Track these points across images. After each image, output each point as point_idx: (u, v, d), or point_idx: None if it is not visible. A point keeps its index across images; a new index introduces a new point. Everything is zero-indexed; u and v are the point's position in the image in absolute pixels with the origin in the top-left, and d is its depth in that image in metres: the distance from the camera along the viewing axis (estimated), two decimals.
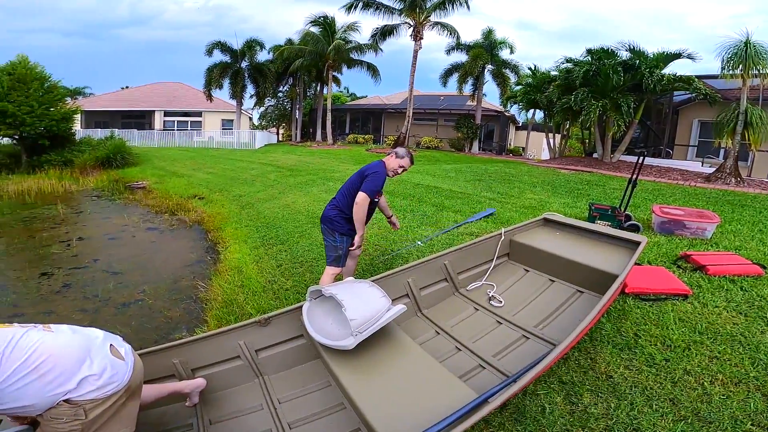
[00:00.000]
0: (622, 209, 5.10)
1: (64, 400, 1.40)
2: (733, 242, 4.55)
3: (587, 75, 11.64)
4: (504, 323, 2.67)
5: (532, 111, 18.71)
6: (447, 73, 21.07)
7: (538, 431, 2.01)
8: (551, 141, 17.51)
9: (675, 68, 16.93)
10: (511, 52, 20.02)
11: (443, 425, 1.51)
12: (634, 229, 4.84)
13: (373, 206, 3.09)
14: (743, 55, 8.85)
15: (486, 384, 2.02)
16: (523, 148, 25.18)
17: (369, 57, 22.54)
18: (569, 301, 2.84)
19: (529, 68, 17.39)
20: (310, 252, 4.88)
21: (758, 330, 2.69)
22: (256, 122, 31.40)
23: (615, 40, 21.60)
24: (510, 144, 27.50)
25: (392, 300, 2.19)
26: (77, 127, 18.31)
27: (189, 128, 26.54)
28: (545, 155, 19.60)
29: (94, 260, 5.93)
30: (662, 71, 11.25)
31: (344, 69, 23.85)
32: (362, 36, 26.06)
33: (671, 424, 1.98)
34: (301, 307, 2.28)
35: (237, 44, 23.50)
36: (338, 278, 3.16)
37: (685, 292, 3.14)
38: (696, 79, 11.09)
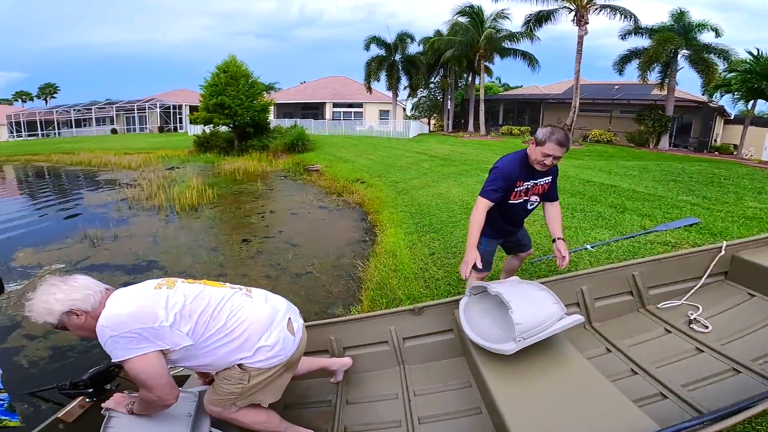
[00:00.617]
0: None
1: (238, 365, 1.47)
2: None
3: None
4: (707, 351, 2.13)
5: (752, 102, 14.28)
6: (623, 60, 18.07)
7: None
8: None
9: None
10: (717, 35, 15.93)
11: None
12: None
13: (516, 212, 2.42)
14: None
15: (668, 416, 1.66)
16: (735, 146, 19.49)
17: (524, 45, 20.70)
18: None
19: (749, 53, 13.40)
20: (463, 244, 4.63)
21: None
22: (409, 113, 32.28)
23: None
24: (716, 140, 21.68)
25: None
26: (271, 117, 20.55)
27: (352, 118, 28.33)
28: None
29: (279, 231, 6.77)
30: None
31: (496, 59, 22.56)
32: (513, 24, 23.93)
33: None
34: (455, 301, 2.16)
35: (390, 38, 24.14)
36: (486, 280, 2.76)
37: None
38: None
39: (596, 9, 15.85)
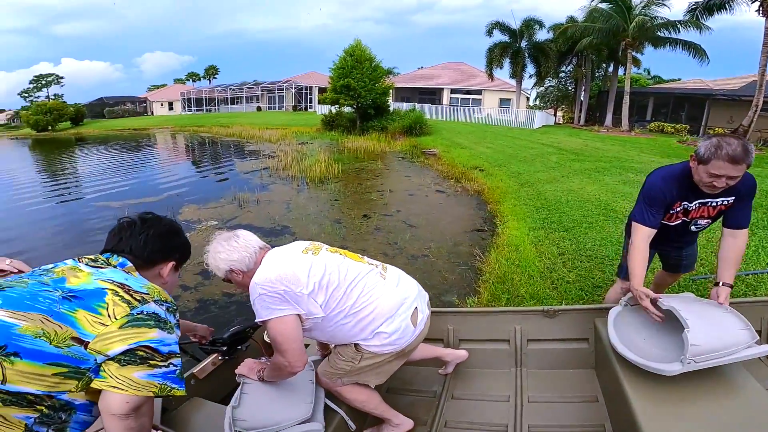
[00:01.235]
0: None
1: (354, 344, 1.48)
2: None
3: None
4: None
5: None
6: None
7: None
8: None
9: None
10: None
11: None
12: None
13: (675, 233, 1.93)
14: None
15: None
16: None
17: (689, 36, 17.27)
18: None
19: None
20: (602, 248, 4.19)
21: None
22: (531, 102, 29.74)
23: None
24: None
25: None
26: (390, 100, 20.90)
27: (470, 105, 27.35)
28: None
29: (397, 211, 6.79)
30: None
31: (647, 49, 19.41)
32: (672, 12, 19.72)
33: None
34: (597, 309, 2.00)
35: (515, 24, 22.30)
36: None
37: None
38: None
39: None
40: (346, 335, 1.47)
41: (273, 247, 1.55)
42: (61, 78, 55.93)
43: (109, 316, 0.88)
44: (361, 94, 16.88)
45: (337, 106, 18.30)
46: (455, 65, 33.14)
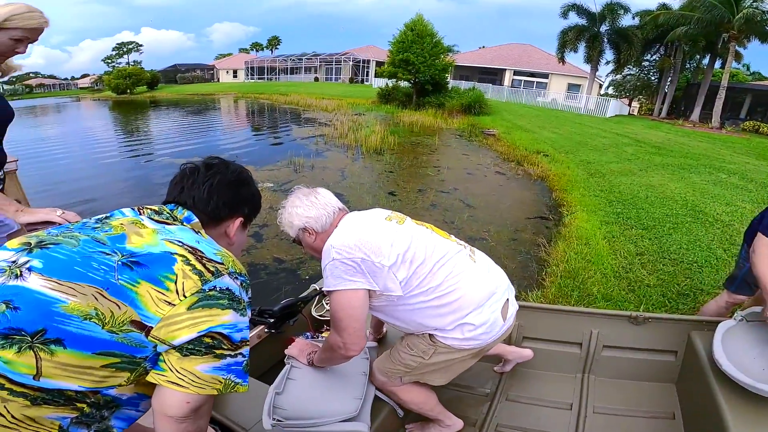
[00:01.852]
0: None
1: (429, 334, 1.27)
2: None
3: None
4: None
5: None
6: None
7: None
8: None
9: None
10: None
11: None
12: None
13: None
14: None
15: None
16: None
17: None
18: None
19: None
20: (689, 252, 3.81)
21: None
22: (603, 90, 27.43)
23: None
24: None
25: None
26: (449, 78, 20.20)
27: (534, 88, 25.99)
28: None
29: (454, 188, 6.43)
30: None
31: (752, 43, 17.37)
32: None
33: None
34: (692, 321, 1.80)
35: (595, 7, 20.27)
36: (733, 311, 2.02)
37: None
38: None
39: None
40: (423, 322, 1.26)
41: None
42: (140, 46, 60.24)
43: (177, 292, 0.67)
44: (420, 69, 16.45)
45: (395, 80, 18.03)
46: (521, 47, 31.72)
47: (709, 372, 1.52)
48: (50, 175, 7.54)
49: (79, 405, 0.63)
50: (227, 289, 0.71)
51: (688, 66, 22.36)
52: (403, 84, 18.41)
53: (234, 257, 0.80)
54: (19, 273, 0.61)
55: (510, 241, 4.48)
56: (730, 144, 12.07)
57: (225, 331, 0.69)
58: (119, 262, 0.66)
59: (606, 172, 7.21)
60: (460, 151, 9.74)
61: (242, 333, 0.73)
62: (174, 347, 0.66)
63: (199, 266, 0.70)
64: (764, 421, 1.33)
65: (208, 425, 0.84)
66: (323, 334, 1.84)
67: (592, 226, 4.51)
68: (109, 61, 58.02)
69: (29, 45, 1.26)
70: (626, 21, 20.55)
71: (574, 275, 3.36)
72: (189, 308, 0.66)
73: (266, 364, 1.84)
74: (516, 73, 28.74)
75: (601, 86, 27.54)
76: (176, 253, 0.70)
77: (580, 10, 20.66)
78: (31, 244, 0.66)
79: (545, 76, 27.57)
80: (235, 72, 48.83)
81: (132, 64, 50.99)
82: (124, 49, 58.44)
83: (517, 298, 1.49)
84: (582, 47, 21.19)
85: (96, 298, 0.61)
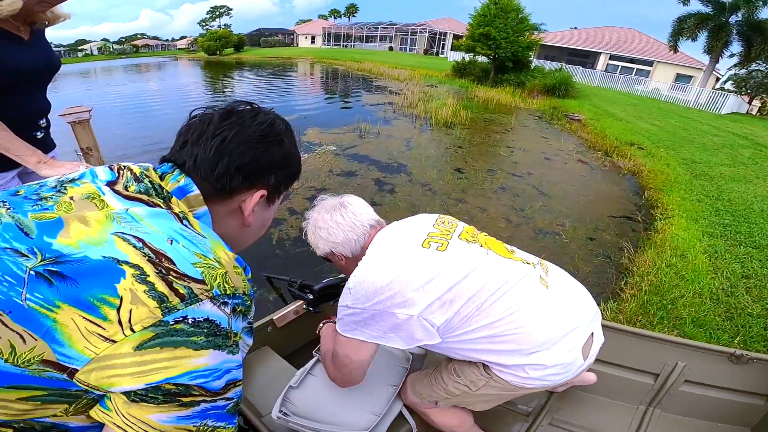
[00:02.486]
0: None
1: (483, 364, 1.03)
2: None
3: None
4: None
5: None
6: None
7: None
8: None
9: None
10: None
11: None
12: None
13: None
14: None
15: None
16: None
17: None
18: None
19: None
20: None
21: None
22: (719, 84, 23.88)
23: None
24: None
25: None
26: (532, 56, 19.19)
27: (632, 75, 23.68)
28: None
29: (528, 173, 5.81)
30: None
31: None
32: None
33: None
34: None
35: None
36: None
37: None
38: None
39: None
40: (469, 354, 1.02)
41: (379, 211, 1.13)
42: (231, 10, 64.46)
43: (120, 323, 0.41)
44: (501, 45, 15.43)
45: (472, 54, 17.18)
46: (621, 30, 29.08)
47: None
48: (142, 125, 8.15)
49: (3, 430, 0.43)
50: (206, 320, 0.45)
51: None
52: (481, 59, 17.51)
53: (227, 268, 0.49)
54: None
55: (587, 240, 3.91)
56: None
57: (196, 382, 0.44)
58: (33, 271, 0.41)
59: (715, 175, 6.13)
60: (538, 133, 8.83)
61: (229, 375, 0.47)
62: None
63: (160, 286, 0.43)
64: None
65: None
66: None
67: (692, 236, 3.85)
68: (203, 24, 62.74)
69: None
70: (764, 13, 17.69)
71: (662, 291, 2.91)
72: (138, 348, 0.41)
73: (297, 343, 1.73)
74: (613, 57, 26.59)
75: (718, 80, 23.96)
76: (127, 263, 0.43)
77: None
78: None
79: (649, 63, 25.12)
80: (313, 38, 49.93)
81: (222, 27, 54.16)
82: (217, 13, 62.56)
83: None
84: (702, 37, 18.47)
85: None
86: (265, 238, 3.47)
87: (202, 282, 0.45)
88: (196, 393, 0.44)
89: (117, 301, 0.41)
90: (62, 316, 0.40)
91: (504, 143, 7.45)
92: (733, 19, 17.91)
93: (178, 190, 0.55)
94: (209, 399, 0.45)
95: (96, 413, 0.44)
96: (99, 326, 0.40)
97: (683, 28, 18.57)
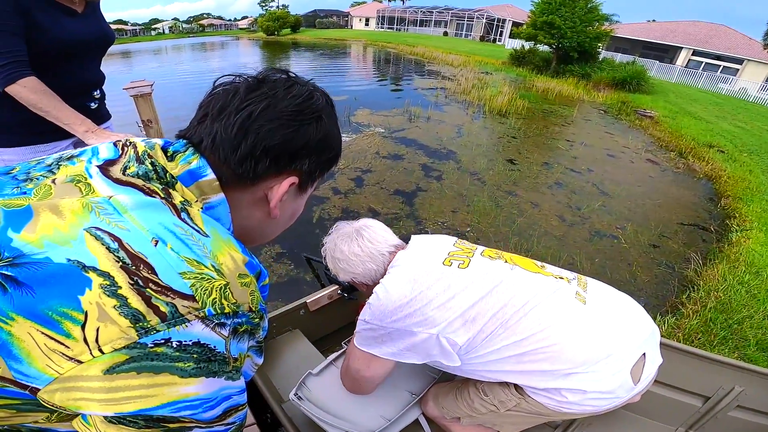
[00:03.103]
0: None
1: (515, 385, 0.95)
2: None
3: None
4: None
5: None
6: None
7: None
8: None
9: None
10: None
11: None
12: None
13: None
14: None
15: None
16: None
17: None
18: None
19: None
20: None
21: None
22: None
23: None
24: None
25: None
26: (601, 48, 18.02)
27: (717, 72, 21.70)
28: None
29: (588, 169, 5.39)
30: None
31: None
32: None
33: None
34: None
35: None
36: None
37: None
38: None
39: None
40: (500, 376, 0.95)
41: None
42: None
43: (86, 342, 0.34)
44: (567, 34, 14.48)
45: (533, 42, 16.29)
46: (709, 25, 26.87)
47: None
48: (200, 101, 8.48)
49: None
50: (197, 343, 0.36)
51: None
52: (543, 48, 16.58)
53: (228, 278, 0.40)
54: None
55: (649, 247, 3.58)
56: None
57: (181, 414, 0.36)
58: None
59: None
60: (602, 128, 8.18)
61: (228, 402, 0.40)
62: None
63: (134, 301, 0.35)
64: None
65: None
66: None
67: None
68: (263, 4, 63.93)
69: None
70: None
71: (729, 310, 2.69)
72: (108, 372, 0.34)
73: (327, 328, 1.70)
74: (697, 53, 24.57)
75: None
76: (94, 269, 0.35)
77: None
78: None
79: (738, 61, 22.99)
80: (367, 20, 49.68)
81: (280, 7, 55.24)
82: None
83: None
84: None
85: None
86: (306, 216, 3.48)
87: (191, 298, 0.36)
88: (186, 420, 0.37)
89: (81, 317, 0.33)
90: (18, 330, 0.33)
91: (563, 136, 6.98)
92: None
93: (188, 174, 0.45)
94: (203, 426, 0.38)
95: (77, 424, 0.38)
96: (62, 344, 0.33)
97: None
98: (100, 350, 0.33)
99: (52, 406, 0.35)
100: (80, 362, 0.33)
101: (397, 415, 1.13)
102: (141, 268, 0.35)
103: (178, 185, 0.45)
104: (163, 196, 0.43)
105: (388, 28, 45.23)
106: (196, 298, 0.36)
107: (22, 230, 0.35)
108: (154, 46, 33.26)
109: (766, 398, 1.38)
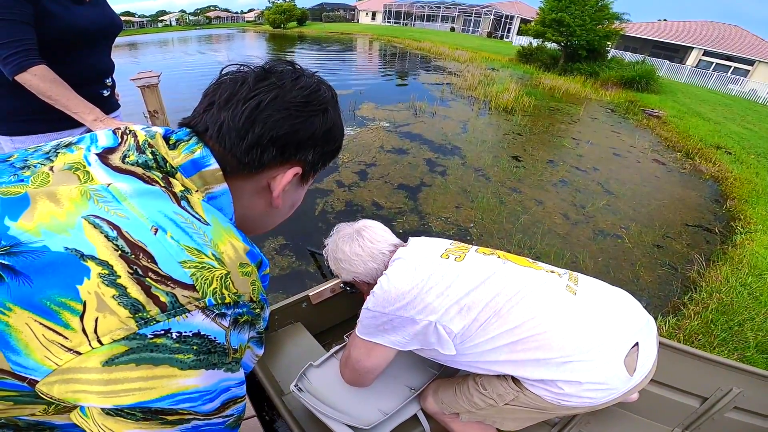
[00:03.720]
0: None
1: (512, 377, 0.96)
2: None
3: None
4: None
5: None
6: None
7: None
8: None
9: None
10: None
11: None
12: None
13: None
14: None
15: None
16: None
17: None
18: None
19: None
20: None
21: None
22: None
23: None
24: None
25: None
26: (610, 47, 17.82)
27: (727, 73, 21.57)
28: None
29: (593, 168, 5.35)
30: None
31: None
32: None
33: None
34: None
35: None
36: None
37: None
38: None
39: None
40: (495, 367, 0.96)
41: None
42: None
43: (85, 333, 0.33)
44: (576, 32, 14.38)
45: (541, 39, 16.20)
46: (722, 26, 26.77)
47: None
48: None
49: None
50: (196, 335, 0.36)
51: None
52: (551, 46, 16.51)
53: (229, 268, 0.40)
54: None
55: (652, 247, 3.56)
56: None
57: (180, 406, 0.36)
58: None
59: None
60: (609, 127, 8.10)
61: (227, 394, 0.39)
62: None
63: (134, 291, 0.34)
64: None
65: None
66: None
67: None
68: None
69: None
70: None
71: (730, 312, 2.70)
72: (106, 363, 0.33)
73: (329, 321, 1.71)
74: (707, 53, 24.52)
75: None
76: (93, 258, 0.34)
77: None
78: None
79: (749, 62, 22.97)
80: (373, 14, 49.51)
81: (287, 0, 55.05)
82: None
83: None
84: None
85: None
86: (309, 208, 3.48)
87: (192, 288, 0.36)
88: (187, 416, 0.37)
89: (79, 307, 0.33)
90: (15, 320, 0.32)
91: (569, 134, 6.92)
92: None
93: (190, 164, 0.45)
94: (202, 418, 0.38)
95: (75, 417, 0.38)
96: (60, 335, 0.33)
97: None
98: (99, 341, 0.33)
99: (50, 398, 0.35)
100: (79, 353, 0.33)
101: (395, 409, 1.14)
102: (140, 257, 0.35)
103: (178, 175, 0.44)
104: (163, 184, 0.42)
105: (395, 22, 45.01)
106: (197, 287, 0.36)
107: (19, 218, 0.35)
108: (161, 37, 33.21)
109: (763, 400, 1.39)
